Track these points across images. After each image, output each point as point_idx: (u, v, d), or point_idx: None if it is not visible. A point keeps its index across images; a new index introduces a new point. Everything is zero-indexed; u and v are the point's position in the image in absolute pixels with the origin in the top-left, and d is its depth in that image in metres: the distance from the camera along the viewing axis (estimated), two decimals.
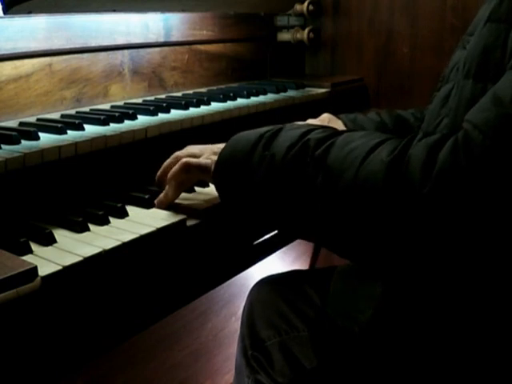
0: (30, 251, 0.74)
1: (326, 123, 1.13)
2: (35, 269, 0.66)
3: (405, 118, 1.21)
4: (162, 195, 0.92)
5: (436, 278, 0.68)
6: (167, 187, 0.92)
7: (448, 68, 0.92)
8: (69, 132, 1.00)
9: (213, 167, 0.84)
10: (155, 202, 0.93)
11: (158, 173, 0.96)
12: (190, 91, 1.47)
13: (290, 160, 0.73)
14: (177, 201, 0.93)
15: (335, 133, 0.74)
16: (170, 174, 0.91)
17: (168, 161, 0.95)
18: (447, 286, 0.71)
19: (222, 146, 0.84)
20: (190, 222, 0.88)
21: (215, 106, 1.29)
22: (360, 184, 0.66)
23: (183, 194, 0.95)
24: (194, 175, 0.90)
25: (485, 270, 0.65)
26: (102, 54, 1.28)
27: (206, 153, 0.90)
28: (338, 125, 1.16)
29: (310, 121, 1.16)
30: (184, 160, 0.89)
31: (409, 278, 0.72)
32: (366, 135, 0.72)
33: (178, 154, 0.94)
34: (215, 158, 0.84)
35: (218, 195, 0.85)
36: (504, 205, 0.62)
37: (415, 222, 0.63)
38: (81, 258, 0.73)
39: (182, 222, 0.87)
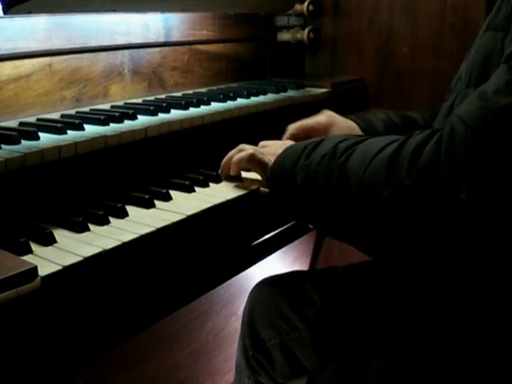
0: (30, 251, 0.74)
1: (329, 118, 1.15)
2: (35, 269, 0.66)
3: (413, 118, 1.21)
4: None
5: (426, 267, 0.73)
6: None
7: (454, 79, 0.93)
8: (69, 132, 1.00)
9: (268, 170, 0.93)
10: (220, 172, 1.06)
11: (224, 159, 1.05)
12: (190, 91, 1.47)
13: (321, 167, 0.79)
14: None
15: (360, 140, 0.79)
16: (235, 159, 1.01)
17: (233, 151, 1.03)
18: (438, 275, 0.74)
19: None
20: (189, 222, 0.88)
21: (215, 105, 1.29)
22: (366, 179, 0.72)
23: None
24: (254, 167, 0.99)
25: (471, 262, 0.69)
26: (102, 54, 1.28)
27: (271, 150, 0.98)
28: (346, 123, 1.16)
29: (305, 120, 1.17)
30: (251, 152, 0.98)
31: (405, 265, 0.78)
32: (383, 139, 0.76)
33: (243, 145, 1.02)
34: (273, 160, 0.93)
35: (272, 195, 0.94)
36: (482, 196, 0.64)
37: (402, 213, 0.69)
38: (81, 258, 0.73)
39: (182, 222, 0.87)
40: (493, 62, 0.75)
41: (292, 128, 1.15)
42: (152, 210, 0.92)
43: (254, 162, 0.98)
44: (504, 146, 0.63)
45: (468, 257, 0.68)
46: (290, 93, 1.53)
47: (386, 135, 1.11)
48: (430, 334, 0.80)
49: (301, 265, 1.96)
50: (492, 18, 0.80)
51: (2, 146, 0.90)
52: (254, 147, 1.03)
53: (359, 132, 1.13)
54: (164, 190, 0.97)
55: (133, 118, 1.11)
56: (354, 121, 1.17)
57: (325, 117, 1.16)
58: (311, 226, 0.95)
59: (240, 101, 1.36)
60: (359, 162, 0.74)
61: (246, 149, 1.01)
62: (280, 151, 0.91)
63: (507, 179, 0.63)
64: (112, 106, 1.25)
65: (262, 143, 1.06)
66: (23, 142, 0.93)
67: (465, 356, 0.77)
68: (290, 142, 1.01)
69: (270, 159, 0.95)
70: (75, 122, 1.03)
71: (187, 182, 1.02)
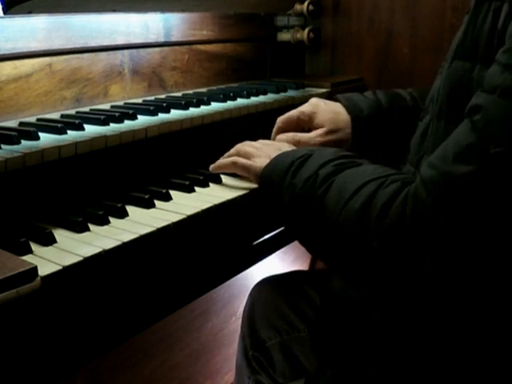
0: (30, 251, 0.75)
1: (313, 108, 1.16)
2: (35, 269, 0.66)
3: (402, 97, 1.20)
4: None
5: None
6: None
7: (429, 97, 0.92)
8: (69, 132, 1.00)
9: (258, 173, 0.95)
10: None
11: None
12: (190, 91, 1.47)
13: (304, 192, 0.81)
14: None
15: (340, 169, 0.81)
16: (221, 163, 1.04)
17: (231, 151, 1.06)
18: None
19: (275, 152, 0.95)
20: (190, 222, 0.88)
21: (215, 105, 1.29)
22: (341, 223, 0.75)
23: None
24: (238, 172, 1.03)
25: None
26: (102, 54, 1.28)
27: (263, 153, 0.99)
28: (331, 108, 1.16)
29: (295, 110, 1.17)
30: (233, 160, 1.02)
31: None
32: (360, 175, 0.77)
33: (239, 148, 1.04)
34: (261, 162, 0.95)
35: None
36: (445, 266, 0.65)
37: (371, 268, 0.72)
38: (81, 258, 0.73)
39: (182, 222, 0.87)
40: (461, 97, 0.73)
41: (279, 121, 1.16)
42: (152, 209, 0.92)
43: (237, 168, 1.02)
44: (463, 216, 0.63)
45: (435, 311, 0.72)
46: (290, 93, 1.53)
47: (373, 116, 1.14)
48: (430, 334, 0.80)
49: (301, 265, 1.96)
50: (460, 44, 0.77)
51: (2, 145, 0.90)
52: (263, 142, 1.06)
53: (345, 115, 1.13)
54: (164, 190, 0.97)
55: (133, 117, 1.11)
56: (340, 102, 1.17)
57: (309, 106, 1.16)
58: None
59: (240, 101, 1.36)
60: (335, 201, 0.76)
61: (249, 145, 1.04)
62: (273, 155, 0.93)
63: (468, 249, 0.64)
64: (112, 106, 1.25)
65: (260, 141, 1.07)
66: (23, 141, 0.93)
67: (465, 358, 0.77)
68: (285, 145, 1.01)
69: (256, 161, 0.97)
70: (75, 122, 1.03)
71: (187, 182, 1.02)
